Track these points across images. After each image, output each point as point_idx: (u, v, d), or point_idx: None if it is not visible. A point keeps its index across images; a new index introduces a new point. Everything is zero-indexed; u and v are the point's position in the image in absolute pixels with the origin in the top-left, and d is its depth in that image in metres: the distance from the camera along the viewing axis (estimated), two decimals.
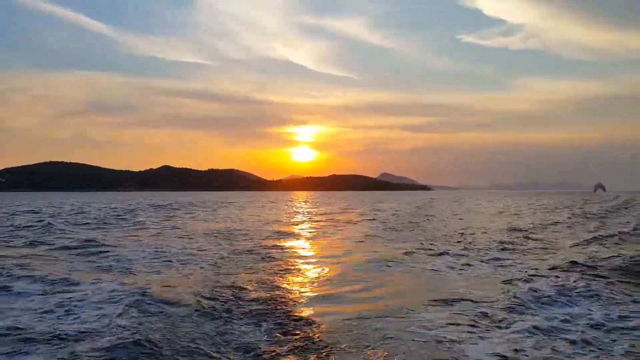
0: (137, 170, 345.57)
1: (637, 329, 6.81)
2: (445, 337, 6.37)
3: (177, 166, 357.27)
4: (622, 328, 6.87)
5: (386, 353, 5.79)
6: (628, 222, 26.52)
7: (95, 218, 29.96)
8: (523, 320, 7.14)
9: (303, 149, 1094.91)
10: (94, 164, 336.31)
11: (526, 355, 5.83)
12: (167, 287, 9.20)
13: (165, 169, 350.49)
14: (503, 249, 14.91)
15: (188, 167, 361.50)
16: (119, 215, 32.77)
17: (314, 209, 46.74)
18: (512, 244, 16.28)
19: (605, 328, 6.83)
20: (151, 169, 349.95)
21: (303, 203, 68.13)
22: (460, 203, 61.55)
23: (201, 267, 11.67)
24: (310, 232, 21.62)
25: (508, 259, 12.97)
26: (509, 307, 7.80)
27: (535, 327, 6.81)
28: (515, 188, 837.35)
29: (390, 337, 6.37)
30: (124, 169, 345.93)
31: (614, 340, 6.37)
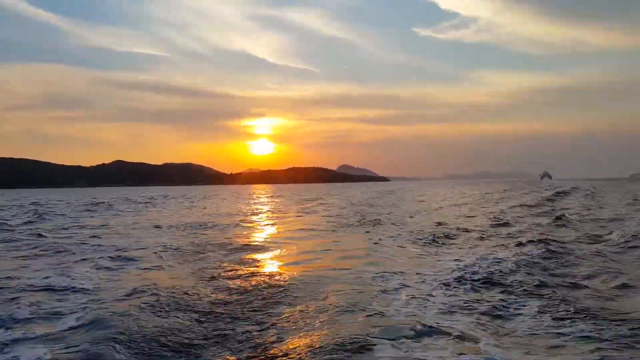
0: (89, 166, 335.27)
1: None
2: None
3: (131, 161, 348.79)
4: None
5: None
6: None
7: None
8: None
9: (262, 142, 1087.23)
10: (44, 160, 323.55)
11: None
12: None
13: (119, 164, 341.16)
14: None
15: (142, 162, 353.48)
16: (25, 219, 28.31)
17: (255, 203, 46.87)
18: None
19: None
20: (103, 164, 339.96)
21: (250, 196, 68.21)
22: (401, 194, 63.20)
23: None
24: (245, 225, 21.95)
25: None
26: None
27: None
28: (468, 178, 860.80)
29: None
30: (75, 165, 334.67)
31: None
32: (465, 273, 9.84)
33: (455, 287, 8.89)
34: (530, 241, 14.01)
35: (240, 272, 10.86)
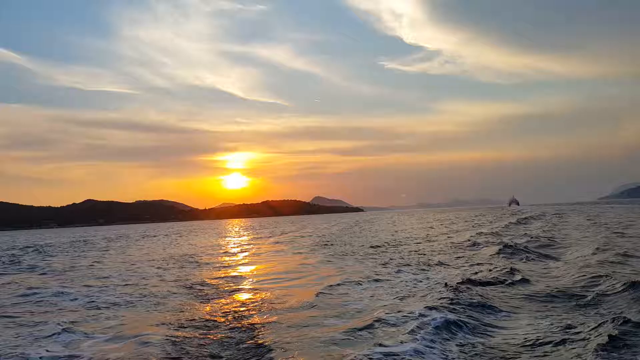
0: (59, 206, 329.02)
1: None
2: None
3: (101, 199, 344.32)
4: None
5: None
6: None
7: None
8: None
9: (235, 176, 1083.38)
10: (11, 201, 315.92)
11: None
12: None
13: (89, 203, 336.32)
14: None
15: (114, 200, 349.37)
16: None
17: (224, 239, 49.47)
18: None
19: None
20: (74, 204, 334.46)
21: (219, 233, 70.46)
22: (372, 222, 67.22)
23: None
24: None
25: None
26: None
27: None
28: (440, 206, 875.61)
29: None
30: (44, 205, 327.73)
31: None
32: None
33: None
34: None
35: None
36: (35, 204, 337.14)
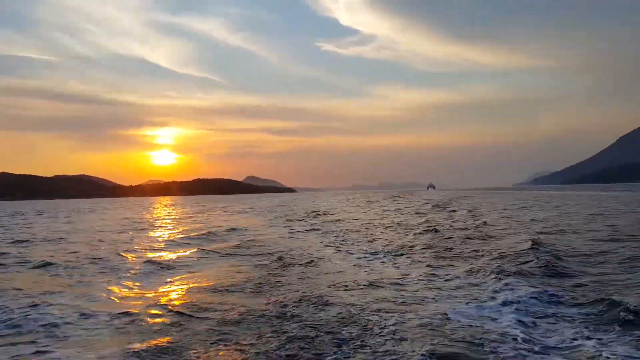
0: None
1: None
2: None
3: (17, 173, 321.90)
4: None
5: None
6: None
7: None
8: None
9: (164, 153, 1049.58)
10: None
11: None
12: None
13: (3, 176, 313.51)
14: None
15: (31, 174, 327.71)
16: None
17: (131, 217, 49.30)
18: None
19: None
20: None
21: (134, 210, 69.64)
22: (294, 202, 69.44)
23: None
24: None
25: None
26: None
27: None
28: (373, 188, 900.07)
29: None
30: None
31: None
32: None
33: None
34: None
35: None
36: None
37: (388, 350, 5.94)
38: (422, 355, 5.68)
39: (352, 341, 6.38)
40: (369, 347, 6.11)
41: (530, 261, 11.47)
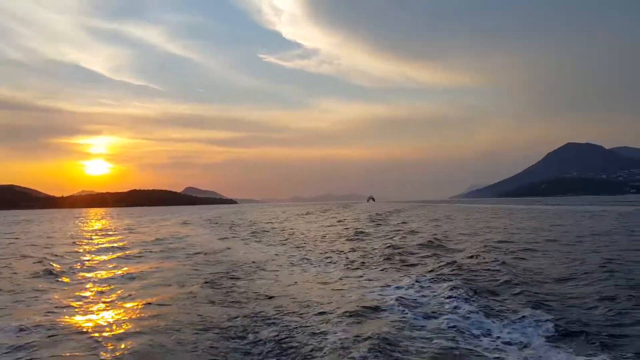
0: None
1: None
2: None
3: None
4: None
5: None
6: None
7: None
8: None
9: (98, 162, 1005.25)
10: None
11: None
12: None
13: None
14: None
15: None
16: None
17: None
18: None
19: None
20: None
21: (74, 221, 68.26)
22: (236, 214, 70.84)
23: None
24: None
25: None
26: None
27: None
28: (313, 200, 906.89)
29: None
30: None
31: None
32: None
33: None
34: None
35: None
36: None
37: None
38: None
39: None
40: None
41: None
